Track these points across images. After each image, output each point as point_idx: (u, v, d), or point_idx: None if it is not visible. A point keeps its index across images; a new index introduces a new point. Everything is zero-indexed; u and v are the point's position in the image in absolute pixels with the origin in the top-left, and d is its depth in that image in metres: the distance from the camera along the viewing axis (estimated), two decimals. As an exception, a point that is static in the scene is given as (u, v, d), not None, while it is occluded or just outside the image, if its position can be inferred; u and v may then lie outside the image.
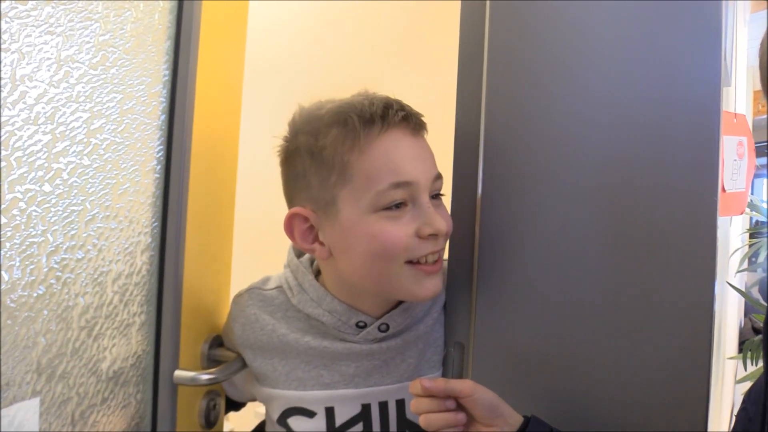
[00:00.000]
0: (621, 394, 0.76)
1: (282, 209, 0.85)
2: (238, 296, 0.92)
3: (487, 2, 0.85)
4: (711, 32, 0.73)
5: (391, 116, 0.76)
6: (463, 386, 0.68)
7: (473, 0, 0.86)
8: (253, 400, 1.00)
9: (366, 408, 0.84)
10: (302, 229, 0.81)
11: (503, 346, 0.82)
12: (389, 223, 0.75)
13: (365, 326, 0.83)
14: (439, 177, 0.80)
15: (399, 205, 0.76)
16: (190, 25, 0.87)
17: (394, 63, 1.86)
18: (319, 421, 0.84)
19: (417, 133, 0.79)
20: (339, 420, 0.84)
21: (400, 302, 0.84)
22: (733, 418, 0.66)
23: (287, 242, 0.92)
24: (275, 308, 0.87)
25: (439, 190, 0.81)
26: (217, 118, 0.94)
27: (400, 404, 0.85)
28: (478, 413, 0.68)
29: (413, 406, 0.71)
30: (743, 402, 0.63)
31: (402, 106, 0.78)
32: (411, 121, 0.78)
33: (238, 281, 0.97)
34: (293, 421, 0.86)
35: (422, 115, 0.81)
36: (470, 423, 0.70)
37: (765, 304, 2.01)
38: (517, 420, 0.70)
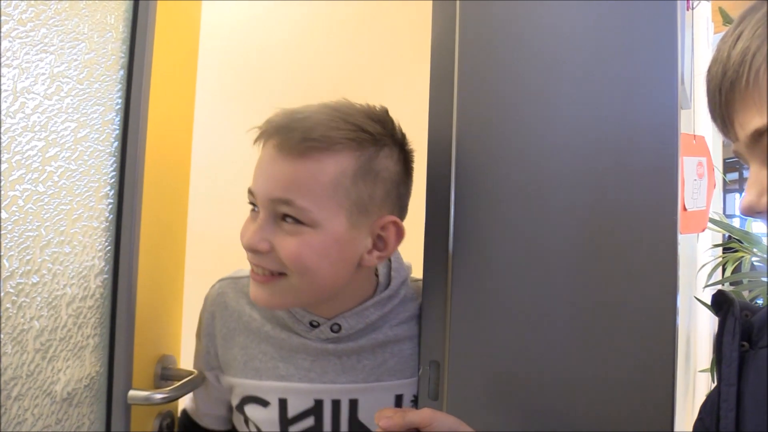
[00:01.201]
0: (591, 408, 0.78)
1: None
2: (211, 288, 0.96)
3: (457, 5, 0.87)
4: (667, 59, 0.77)
5: (268, 131, 0.79)
6: (421, 417, 0.67)
7: (444, 1, 0.89)
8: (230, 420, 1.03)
9: (318, 403, 0.88)
10: None
11: (478, 363, 0.83)
12: (247, 219, 0.83)
13: (318, 326, 0.86)
14: (281, 201, 0.77)
15: (255, 206, 0.81)
16: (143, 54, 0.90)
17: (372, 70, 1.90)
18: (272, 411, 0.88)
19: (278, 151, 0.77)
20: (291, 412, 0.88)
21: (354, 305, 0.87)
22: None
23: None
24: (243, 294, 0.92)
25: (287, 213, 0.77)
26: (170, 144, 0.97)
27: (353, 404, 0.88)
28: None
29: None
30: (699, 413, 0.63)
31: (271, 122, 0.79)
32: (274, 139, 0.78)
33: (191, 303, 0.99)
34: (249, 409, 0.90)
35: (305, 138, 0.77)
36: None
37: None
38: None
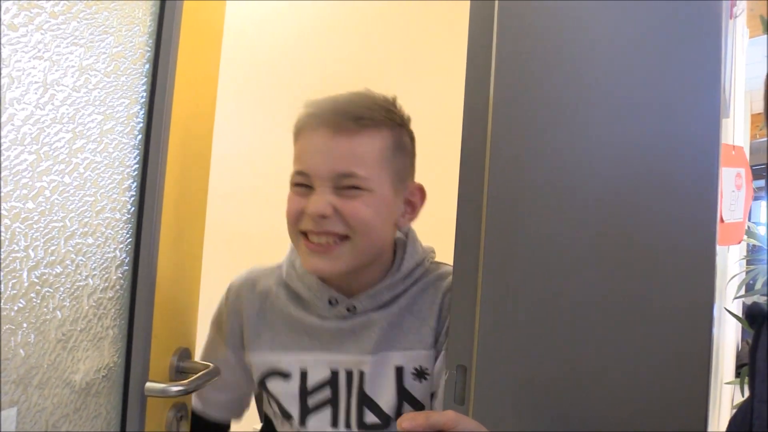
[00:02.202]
0: (620, 416, 0.77)
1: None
2: (237, 276, 1.06)
3: (496, 5, 0.86)
4: (710, 68, 0.75)
5: (310, 116, 0.92)
6: (446, 419, 0.65)
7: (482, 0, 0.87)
8: (238, 413, 1.07)
9: (335, 374, 0.93)
10: None
11: (506, 368, 0.82)
12: (293, 196, 0.93)
13: (336, 303, 0.94)
14: (345, 175, 0.89)
15: (304, 186, 0.92)
16: (168, 48, 0.90)
17: (401, 66, 1.90)
18: (293, 383, 0.94)
19: (336, 131, 0.90)
20: (311, 383, 0.94)
21: (368, 287, 0.95)
22: None
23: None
24: (270, 278, 1.01)
25: (353, 184, 0.89)
26: (192, 138, 0.98)
27: (361, 376, 0.94)
28: None
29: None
30: (729, 426, 0.62)
31: (324, 106, 0.91)
32: (328, 121, 0.90)
33: (207, 297, 1.00)
34: (271, 383, 0.97)
35: (356, 116, 0.90)
36: None
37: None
38: None
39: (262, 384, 0.97)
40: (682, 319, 0.74)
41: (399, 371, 0.93)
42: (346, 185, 0.89)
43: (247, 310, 1.00)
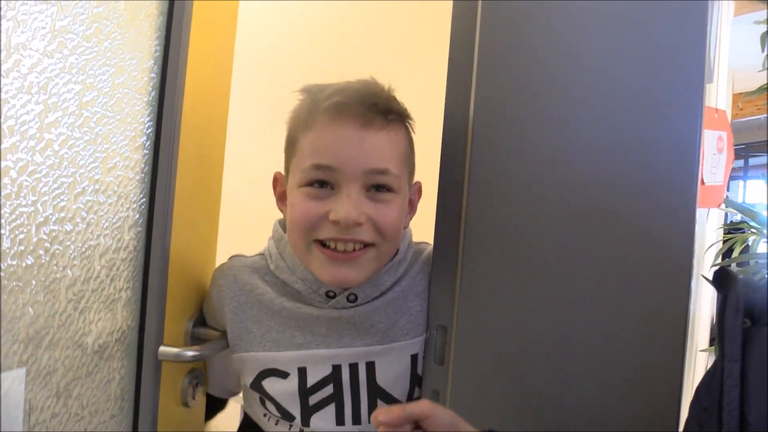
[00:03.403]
0: (599, 380, 0.77)
1: (266, 188, 0.91)
2: (220, 265, 0.95)
3: (479, 4, 0.85)
4: (696, 28, 0.75)
5: (334, 101, 0.79)
6: (421, 409, 0.65)
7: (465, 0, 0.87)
8: (235, 393, 1.02)
9: (336, 369, 0.86)
10: (279, 191, 0.90)
11: (485, 330, 0.83)
12: (306, 198, 0.80)
13: (334, 296, 0.86)
14: (378, 172, 0.79)
15: (323, 185, 0.79)
16: (183, 0, 0.86)
17: (391, 61, 1.87)
18: (292, 382, 0.86)
19: (366, 124, 0.79)
20: (311, 380, 0.86)
21: None
22: None
23: (271, 221, 0.95)
24: (254, 271, 0.91)
25: (382, 183, 0.81)
26: (207, 96, 0.94)
27: (370, 367, 0.87)
28: None
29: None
30: (696, 392, 0.63)
31: (352, 95, 0.79)
32: (357, 112, 0.78)
33: (224, 259, 0.97)
34: (267, 383, 0.88)
35: (390, 110, 0.81)
36: None
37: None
38: None
39: (256, 385, 0.89)
40: (661, 281, 0.74)
41: (414, 358, 0.88)
42: (376, 184, 0.80)
43: (230, 306, 0.89)
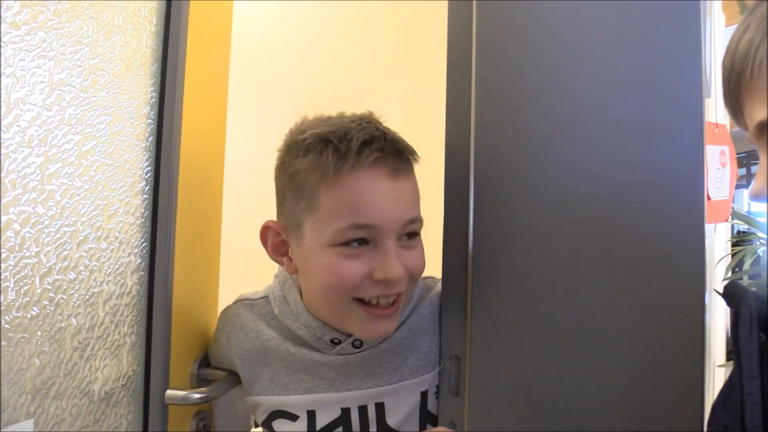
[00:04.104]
0: (616, 406, 0.76)
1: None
2: (226, 308, 0.94)
3: (474, 5, 0.86)
4: (691, 45, 0.75)
5: (366, 155, 0.75)
6: None
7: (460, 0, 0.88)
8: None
9: (346, 412, 0.85)
10: (275, 241, 0.84)
11: (500, 358, 0.82)
12: (344, 259, 0.76)
13: (339, 342, 0.85)
14: (412, 221, 0.79)
15: (358, 243, 0.76)
16: (177, 47, 0.88)
17: (386, 70, 1.88)
18: (301, 424, 0.86)
19: (395, 175, 0.77)
20: (320, 423, 0.85)
21: None
22: None
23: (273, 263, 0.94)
24: (260, 316, 0.90)
25: (416, 230, 0.80)
26: (204, 138, 0.95)
27: (380, 408, 0.86)
28: None
29: None
30: (712, 410, 0.61)
31: (383, 146, 0.76)
32: (388, 163, 0.76)
33: (226, 300, 0.97)
34: (277, 424, 0.87)
35: (410, 153, 0.80)
36: None
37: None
38: None
39: (267, 425, 0.88)
40: (675, 299, 0.73)
41: (424, 395, 0.87)
42: (408, 232, 0.79)
43: (237, 353, 0.89)
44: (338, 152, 0.75)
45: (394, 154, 0.77)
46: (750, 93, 0.48)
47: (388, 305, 0.79)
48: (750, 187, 0.51)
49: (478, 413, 0.82)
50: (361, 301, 0.78)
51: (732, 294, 0.60)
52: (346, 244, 0.75)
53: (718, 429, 0.59)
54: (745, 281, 2.17)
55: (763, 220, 2.15)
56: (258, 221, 0.86)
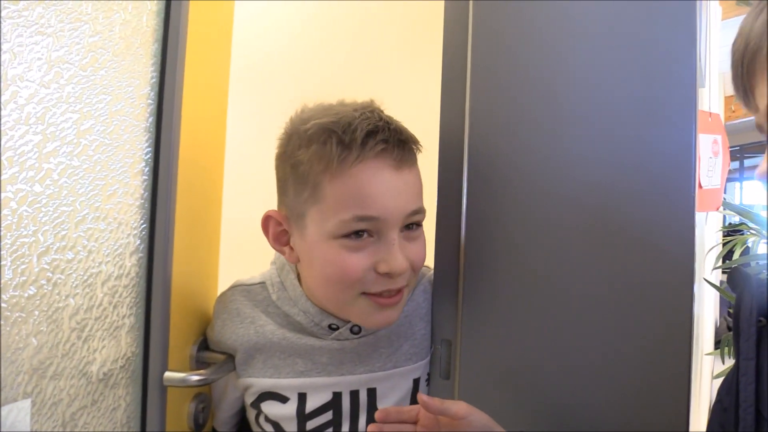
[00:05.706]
0: (604, 390, 0.77)
1: (267, 209, 0.87)
2: (222, 294, 0.94)
3: (470, 5, 0.86)
4: (686, 34, 0.76)
5: (370, 146, 0.74)
6: (458, 408, 0.67)
7: (456, 1, 0.88)
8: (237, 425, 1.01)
9: (337, 396, 0.86)
10: (276, 231, 0.84)
11: (490, 342, 0.83)
12: (347, 252, 0.75)
13: (337, 328, 0.85)
14: (417, 211, 0.78)
15: (361, 235, 0.75)
16: (178, 27, 0.87)
17: (386, 66, 1.87)
18: (291, 406, 0.86)
19: (399, 165, 0.76)
20: (310, 406, 0.86)
21: None
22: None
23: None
24: (257, 303, 0.90)
25: (419, 221, 0.80)
26: (204, 120, 0.94)
27: (371, 393, 0.86)
28: None
29: (378, 416, 0.71)
30: (717, 394, 0.64)
31: (387, 137, 0.75)
32: (393, 154, 0.75)
33: (226, 283, 0.97)
34: (266, 405, 0.88)
35: (414, 142, 0.79)
36: None
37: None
38: None
39: (255, 405, 0.89)
40: (664, 286, 0.75)
41: (416, 383, 0.87)
42: (411, 223, 0.78)
43: (231, 338, 0.89)
44: (342, 143, 0.74)
45: (399, 144, 0.76)
46: (765, 71, 0.48)
47: (392, 294, 0.79)
48: (758, 168, 0.52)
49: (468, 396, 0.83)
50: (366, 293, 0.78)
51: (735, 279, 0.63)
52: (350, 235, 0.75)
53: (720, 411, 0.62)
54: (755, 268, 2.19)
55: (760, 213, 2.15)
56: (258, 203, 0.86)
